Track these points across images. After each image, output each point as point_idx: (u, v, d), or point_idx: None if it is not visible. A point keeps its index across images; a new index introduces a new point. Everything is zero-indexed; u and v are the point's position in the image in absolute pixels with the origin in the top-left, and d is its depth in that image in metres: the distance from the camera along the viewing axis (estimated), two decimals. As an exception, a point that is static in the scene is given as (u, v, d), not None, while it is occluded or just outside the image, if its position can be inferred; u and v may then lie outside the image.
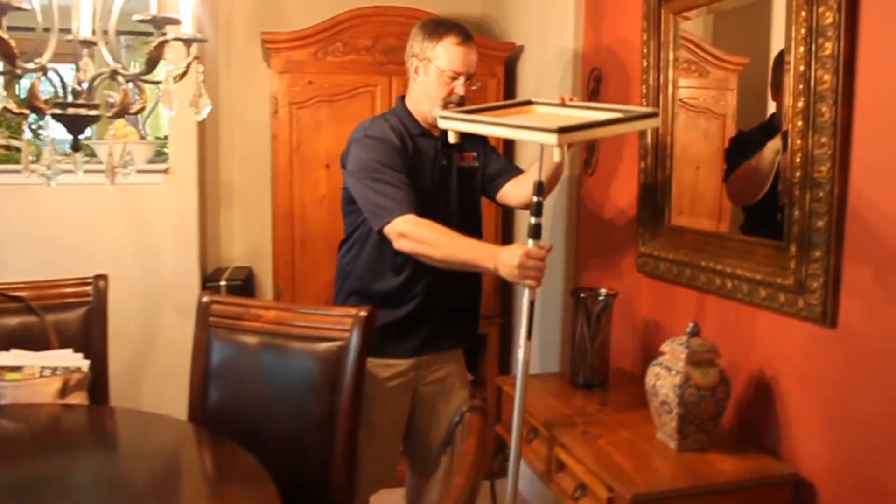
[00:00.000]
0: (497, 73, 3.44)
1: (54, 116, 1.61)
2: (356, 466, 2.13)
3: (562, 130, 1.79)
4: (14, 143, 3.39)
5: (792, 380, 1.89)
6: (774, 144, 1.93)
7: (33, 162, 1.78)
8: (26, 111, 1.59)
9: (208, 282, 3.45)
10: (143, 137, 3.64)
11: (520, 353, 2.00)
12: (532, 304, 1.97)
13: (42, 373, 2.13)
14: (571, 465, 1.96)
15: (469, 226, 2.38)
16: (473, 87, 2.35)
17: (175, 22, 1.56)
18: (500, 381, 2.53)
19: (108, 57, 1.59)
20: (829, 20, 1.71)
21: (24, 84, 1.87)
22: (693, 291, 2.26)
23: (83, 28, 1.64)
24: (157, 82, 1.63)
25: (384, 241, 2.22)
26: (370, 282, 2.36)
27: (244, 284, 3.47)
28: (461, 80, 2.29)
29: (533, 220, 1.96)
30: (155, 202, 3.40)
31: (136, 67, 1.81)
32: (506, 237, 3.61)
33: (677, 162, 2.37)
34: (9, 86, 1.64)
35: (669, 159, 2.38)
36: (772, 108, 2.01)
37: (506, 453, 2.35)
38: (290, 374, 2.12)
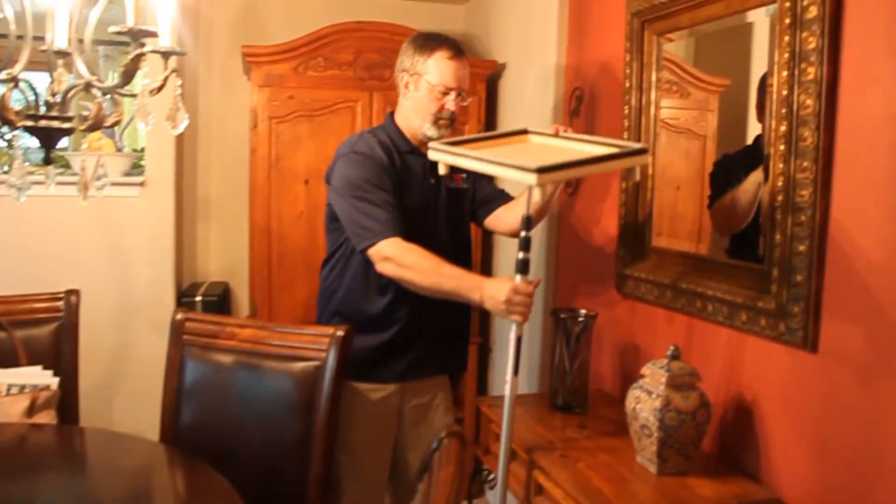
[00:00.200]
0: (479, 91, 3.44)
1: (26, 129, 1.57)
2: (332, 490, 2.09)
3: (541, 170, 1.73)
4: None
5: (773, 404, 1.88)
6: (757, 176, 1.91)
7: (4, 173, 1.74)
8: (-4, 122, 1.55)
9: (183, 297, 3.40)
10: (119, 149, 3.60)
11: (506, 389, 1.93)
12: (519, 339, 1.91)
13: (9, 391, 2.07)
14: (550, 488, 1.93)
15: (458, 248, 2.34)
16: (465, 104, 2.30)
17: (152, 35, 1.53)
18: (478, 402, 2.50)
19: (82, 69, 1.55)
20: (813, 45, 1.71)
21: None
22: (673, 313, 2.24)
23: (58, 38, 1.60)
24: (134, 95, 1.59)
25: (369, 261, 2.16)
26: (354, 302, 2.29)
27: (220, 300, 3.42)
28: (452, 95, 2.23)
29: (521, 255, 1.90)
30: (130, 216, 3.35)
31: (114, 78, 1.78)
32: (485, 262, 3.59)
33: (658, 182, 2.36)
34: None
35: (651, 180, 2.37)
36: (757, 129, 2.01)
37: (483, 475, 2.32)
38: (266, 394, 2.08)
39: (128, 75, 1.56)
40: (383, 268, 2.10)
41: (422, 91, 2.25)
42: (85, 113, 1.64)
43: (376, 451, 2.34)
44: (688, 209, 2.29)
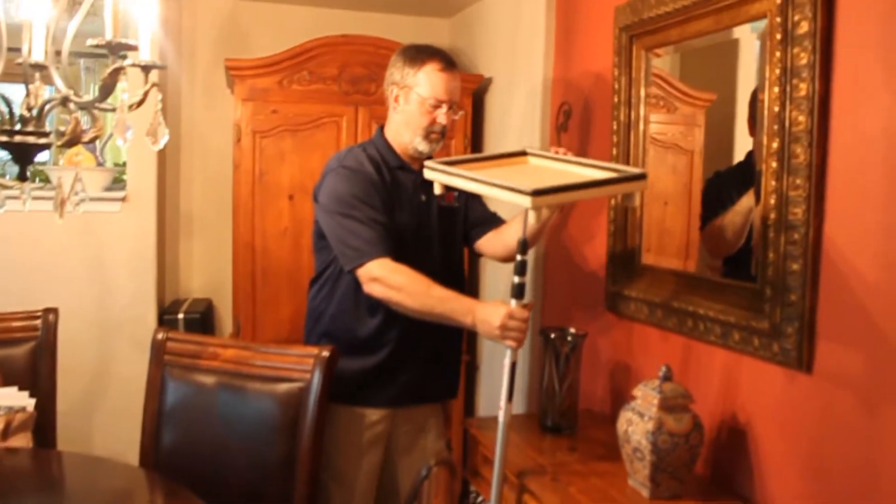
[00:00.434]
0: (465, 105, 3.41)
1: (0, 144, 1.52)
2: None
3: (537, 193, 1.68)
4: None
5: (767, 426, 1.85)
6: (749, 201, 1.89)
7: (-23, 190, 1.69)
8: (-31, 138, 1.50)
9: (165, 314, 3.34)
10: (100, 164, 3.54)
11: (500, 415, 1.88)
12: (513, 365, 1.87)
13: (-17, 413, 2.00)
14: (541, 513, 1.88)
15: (450, 268, 2.29)
16: (456, 117, 2.25)
17: (131, 48, 1.49)
18: (467, 424, 2.45)
19: (59, 83, 1.50)
20: (804, 61, 1.68)
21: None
22: (665, 333, 2.21)
23: (35, 51, 1.55)
24: (113, 109, 1.54)
25: (358, 281, 2.10)
26: (343, 324, 2.22)
27: (203, 317, 3.37)
28: (444, 108, 2.18)
29: (516, 279, 1.86)
30: (111, 231, 3.29)
31: (94, 92, 1.72)
32: (472, 283, 3.54)
33: (647, 198, 2.34)
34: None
35: (641, 196, 2.34)
36: (747, 145, 1.99)
37: (471, 498, 2.27)
38: (249, 416, 2.03)
39: (106, 90, 1.51)
40: (371, 289, 2.05)
41: (412, 104, 2.20)
42: (62, 128, 1.58)
43: (364, 477, 2.27)
44: (676, 225, 2.27)
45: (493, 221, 2.40)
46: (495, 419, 1.93)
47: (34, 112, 1.56)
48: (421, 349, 2.24)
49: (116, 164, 3.67)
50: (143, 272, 3.32)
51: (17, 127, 1.54)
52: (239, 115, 3.28)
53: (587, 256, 2.68)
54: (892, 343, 1.53)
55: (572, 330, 2.32)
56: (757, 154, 1.85)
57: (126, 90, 1.53)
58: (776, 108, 1.75)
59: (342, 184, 2.14)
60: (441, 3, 3.72)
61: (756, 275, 1.85)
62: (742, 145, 2.01)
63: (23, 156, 1.54)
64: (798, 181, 1.71)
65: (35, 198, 1.83)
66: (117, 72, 1.47)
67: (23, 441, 2.04)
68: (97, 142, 3.52)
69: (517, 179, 1.76)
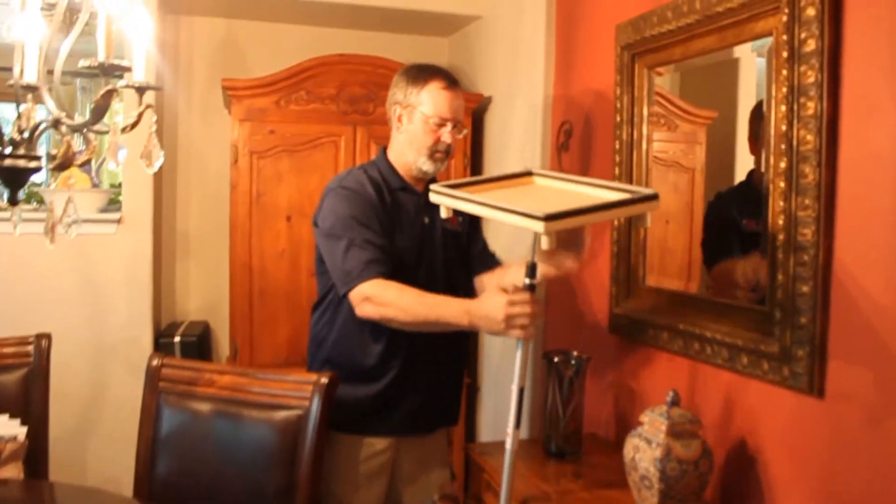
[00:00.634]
0: (464, 125, 3.38)
1: (-10, 168, 1.48)
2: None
3: (549, 218, 1.61)
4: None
5: (777, 452, 1.80)
6: (757, 259, 1.86)
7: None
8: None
9: (161, 337, 3.30)
10: (95, 185, 3.50)
11: (507, 442, 1.80)
12: (521, 391, 1.78)
13: (-28, 443, 1.95)
14: (546, 543, 1.83)
15: (455, 292, 2.18)
16: (460, 136, 2.21)
17: (124, 69, 1.45)
18: (468, 449, 2.40)
19: (51, 104, 1.47)
20: (811, 79, 1.65)
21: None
22: (670, 355, 2.16)
23: (27, 72, 1.52)
24: (105, 132, 1.51)
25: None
26: (346, 350, 2.16)
27: (199, 340, 3.32)
28: (448, 126, 2.14)
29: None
30: (107, 253, 3.24)
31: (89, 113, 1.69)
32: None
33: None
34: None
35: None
36: (748, 163, 1.96)
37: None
38: (246, 444, 1.98)
39: (99, 112, 1.48)
40: (364, 310, 1.98)
41: (416, 123, 2.16)
42: (54, 151, 1.55)
43: None
44: (678, 244, 2.24)
45: (489, 263, 2.34)
46: (498, 444, 1.88)
47: (25, 134, 1.53)
48: (424, 375, 2.18)
49: (113, 185, 3.63)
50: (139, 295, 3.27)
51: (8, 150, 1.51)
52: (236, 136, 3.25)
53: (590, 278, 2.64)
54: (907, 368, 1.49)
55: (576, 353, 2.27)
56: (765, 174, 1.82)
57: (119, 112, 1.49)
58: (783, 127, 1.72)
59: (340, 204, 2.10)
60: (440, 21, 3.70)
61: (765, 297, 1.81)
62: (743, 163, 1.99)
63: (13, 180, 1.50)
64: (807, 201, 1.67)
65: (28, 220, 1.79)
66: (110, 93, 1.44)
67: (13, 472, 1.98)
68: (93, 162, 3.49)
69: (527, 203, 1.70)
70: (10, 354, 2.29)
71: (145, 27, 1.55)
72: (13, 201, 1.54)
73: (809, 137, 1.66)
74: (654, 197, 1.73)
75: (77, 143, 1.61)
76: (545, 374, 2.29)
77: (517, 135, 3.17)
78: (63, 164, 1.49)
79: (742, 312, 1.91)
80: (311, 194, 3.26)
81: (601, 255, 2.54)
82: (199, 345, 3.30)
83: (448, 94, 2.15)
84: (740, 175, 2.01)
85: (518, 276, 1.86)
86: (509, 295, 1.76)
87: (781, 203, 1.73)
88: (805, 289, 1.68)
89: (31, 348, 2.32)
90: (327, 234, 2.10)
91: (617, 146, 2.39)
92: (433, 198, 1.94)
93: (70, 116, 1.55)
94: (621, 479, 1.90)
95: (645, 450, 1.78)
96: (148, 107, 1.59)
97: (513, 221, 1.69)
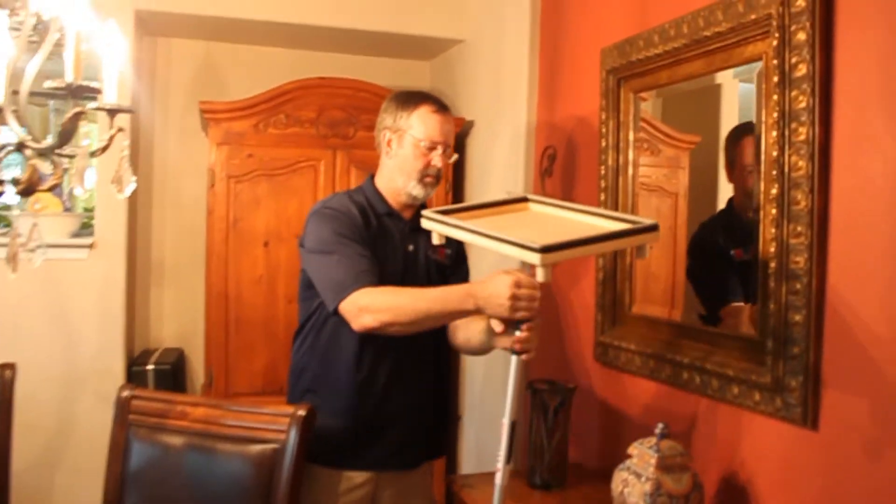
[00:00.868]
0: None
1: (-50, 193, 1.41)
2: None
3: (546, 249, 1.57)
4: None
5: (770, 485, 1.75)
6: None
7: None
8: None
9: (134, 365, 3.20)
10: (67, 209, 3.42)
11: (497, 478, 1.74)
12: (513, 425, 1.73)
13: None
14: (532, 582, 1.77)
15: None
16: (451, 160, 2.18)
17: (94, 91, 1.39)
18: (449, 481, 2.33)
19: (15, 126, 1.40)
20: (803, 104, 1.62)
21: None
22: (658, 385, 2.11)
23: (-7, 94, 1.45)
24: (71, 156, 1.44)
25: (341, 328, 1.98)
26: (327, 378, 2.09)
27: (174, 368, 3.23)
28: (439, 150, 2.10)
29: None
30: (78, 279, 3.15)
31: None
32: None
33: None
34: None
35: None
36: (728, 190, 1.93)
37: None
38: (219, 479, 1.90)
39: (66, 135, 1.41)
40: (362, 322, 1.90)
41: (406, 147, 2.11)
42: (18, 176, 1.47)
43: None
44: (661, 269, 2.20)
45: None
46: (481, 476, 1.81)
47: (-12, 158, 1.46)
48: (408, 406, 2.11)
49: (86, 210, 3.54)
50: (111, 322, 3.18)
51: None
52: (213, 160, 3.19)
53: (575, 305, 2.59)
54: (905, 400, 1.44)
55: (560, 383, 2.22)
56: (749, 200, 1.78)
57: (89, 135, 1.42)
58: (774, 153, 1.69)
59: (326, 223, 2.05)
60: (422, 45, 3.66)
61: (757, 326, 1.77)
62: (726, 188, 1.96)
63: (-26, 205, 1.43)
64: (799, 228, 1.64)
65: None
66: (78, 116, 1.37)
67: (-27, 509, 1.89)
68: (64, 186, 3.40)
69: (522, 232, 1.65)
70: (-27, 386, 2.20)
71: (118, 47, 1.49)
72: (-25, 227, 1.46)
73: (801, 163, 1.63)
74: (654, 228, 1.68)
75: (45, 166, 1.54)
76: (529, 404, 2.23)
77: (500, 160, 3.13)
78: (28, 188, 1.42)
79: (732, 341, 1.86)
80: (289, 220, 3.19)
81: (586, 282, 2.49)
82: (173, 373, 3.21)
83: (438, 118, 2.12)
84: (723, 200, 1.98)
85: (477, 332, 1.85)
86: (518, 276, 1.72)
87: (773, 230, 1.70)
88: (798, 318, 1.64)
89: (-6, 379, 2.22)
90: (315, 251, 2.04)
91: (602, 171, 2.35)
92: (425, 224, 1.89)
93: (39, 140, 1.49)
94: (609, 512, 1.84)
95: (634, 483, 1.72)
96: (119, 130, 1.52)
97: (507, 252, 1.64)
